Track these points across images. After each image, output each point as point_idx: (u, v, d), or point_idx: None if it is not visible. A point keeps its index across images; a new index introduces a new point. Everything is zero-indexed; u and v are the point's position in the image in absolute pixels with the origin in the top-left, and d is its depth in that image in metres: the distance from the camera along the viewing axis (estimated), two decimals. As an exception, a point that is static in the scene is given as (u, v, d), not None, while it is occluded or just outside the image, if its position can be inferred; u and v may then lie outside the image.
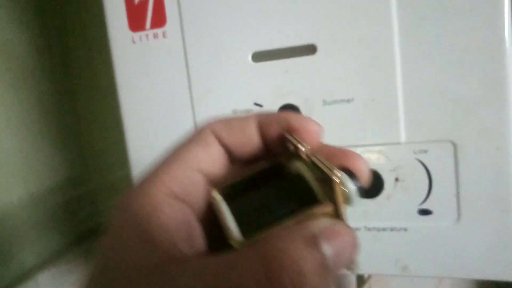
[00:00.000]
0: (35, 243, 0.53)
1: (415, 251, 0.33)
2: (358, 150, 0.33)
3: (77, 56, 0.59)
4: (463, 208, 0.31)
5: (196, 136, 0.19)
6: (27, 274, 0.51)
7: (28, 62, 0.53)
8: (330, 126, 0.33)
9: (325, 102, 0.33)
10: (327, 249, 0.15)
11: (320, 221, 0.16)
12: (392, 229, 0.33)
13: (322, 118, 0.33)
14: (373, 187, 0.33)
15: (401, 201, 0.33)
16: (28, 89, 0.53)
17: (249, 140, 0.20)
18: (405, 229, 0.33)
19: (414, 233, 0.33)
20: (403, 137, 0.32)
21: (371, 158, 0.33)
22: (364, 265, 0.34)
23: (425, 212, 0.32)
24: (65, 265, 0.55)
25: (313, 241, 0.15)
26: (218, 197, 0.18)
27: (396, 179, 0.33)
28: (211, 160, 0.19)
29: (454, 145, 0.31)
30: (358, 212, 0.34)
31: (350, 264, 0.17)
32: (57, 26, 0.58)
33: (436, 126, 0.31)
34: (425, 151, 0.32)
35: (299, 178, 0.18)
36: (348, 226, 0.17)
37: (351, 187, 0.17)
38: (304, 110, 0.34)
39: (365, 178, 0.18)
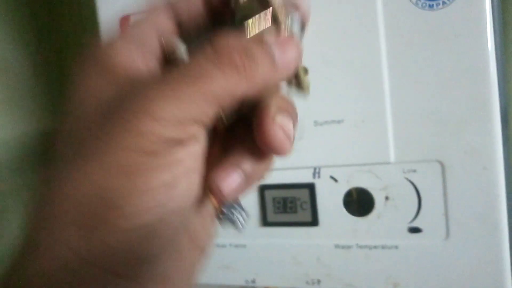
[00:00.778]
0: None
1: (406, 268, 0.33)
2: (349, 170, 0.34)
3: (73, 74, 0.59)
4: (451, 226, 0.32)
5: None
6: None
7: (25, 80, 0.53)
8: (321, 146, 0.34)
9: (316, 123, 0.34)
10: (274, 48, 0.18)
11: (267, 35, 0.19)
12: (383, 247, 0.34)
13: (313, 138, 0.34)
14: (364, 206, 0.34)
15: (392, 219, 0.33)
16: (26, 105, 0.53)
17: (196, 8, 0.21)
18: (396, 247, 0.33)
19: (404, 250, 0.33)
20: (392, 157, 0.33)
21: (362, 178, 0.34)
22: (356, 282, 0.35)
23: (415, 230, 0.33)
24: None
25: (262, 41, 0.18)
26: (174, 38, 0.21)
27: (386, 198, 0.33)
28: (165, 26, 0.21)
29: (442, 164, 0.32)
30: (350, 230, 0.35)
31: (296, 72, 0.21)
32: (55, 46, 0.58)
33: (424, 147, 0.32)
34: (414, 171, 0.32)
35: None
36: (291, 37, 0.20)
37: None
38: (295, 130, 0.34)
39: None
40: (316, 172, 0.35)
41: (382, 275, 0.34)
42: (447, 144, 0.31)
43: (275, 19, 0.20)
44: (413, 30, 0.31)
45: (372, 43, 0.31)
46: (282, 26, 0.20)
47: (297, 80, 0.22)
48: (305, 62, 0.33)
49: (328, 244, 0.35)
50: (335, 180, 0.34)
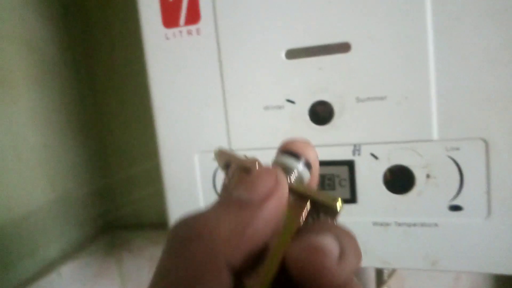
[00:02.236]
0: (58, 237, 0.54)
1: (445, 246, 0.33)
2: (390, 147, 0.34)
3: (99, 53, 0.60)
4: (493, 205, 0.32)
5: None
6: (51, 266, 0.52)
7: (52, 58, 0.54)
8: (362, 123, 0.34)
9: (358, 99, 0.34)
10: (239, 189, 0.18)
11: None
12: (422, 225, 0.34)
13: (354, 114, 0.34)
14: (404, 184, 0.34)
15: (432, 197, 0.33)
16: (52, 85, 0.53)
17: None
18: (436, 225, 0.33)
19: (444, 228, 0.33)
20: (435, 135, 0.33)
21: (403, 155, 0.34)
22: (394, 259, 0.35)
23: (455, 208, 0.33)
24: (86, 257, 0.56)
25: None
26: None
27: (428, 176, 0.33)
28: None
29: (486, 142, 0.32)
30: (389, 208, 0.35)
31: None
32: (80, 24, 0.59)
33: (468, 124, 0.32)
34: (457, 149, 0.32)
35: None
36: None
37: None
38: (336, 107, 0.34)
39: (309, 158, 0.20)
40: (356, 149, 0.35)
41: (420, 253, 0.34)
42: (492, 122, 0.31)
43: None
44: (460, 5, 0.30)
45: (418, 18, 0.31)
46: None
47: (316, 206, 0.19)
48: (349, 37, 0.33)
49: (366, 221, 0.35)
50: (376, 158, 0.34)
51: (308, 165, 0.20)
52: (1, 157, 0.46)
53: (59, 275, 0.52)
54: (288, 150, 0.20)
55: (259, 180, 0.18)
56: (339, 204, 0.18)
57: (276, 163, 0.20)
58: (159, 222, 0.62)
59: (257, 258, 0.17)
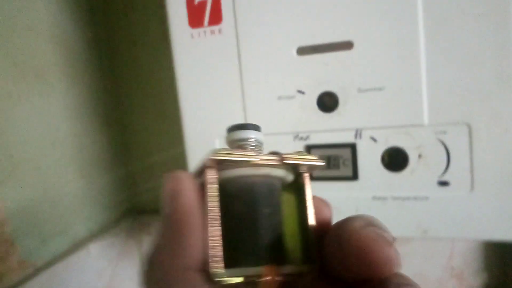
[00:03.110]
0: (86, 218, 0.59)
1: (435, 217, 0.39)
2: (387, 131, 0.39)
3: (122, 50, 0.65)
4: (476, 180, 0.37)
5: None
6: (80, 244, 0.57)
7: (80, 54, 0.59)
8: (364, 111, 0.39)
9: (359, 90, 0.39)
10: None
11: None
12: (415, 198, 0.39)
13: (356, 103, 0.39)
14: (399, 163, 0.39)
15: (423, 174, 0.39)
16: (80, 79, 0.59)
17: None
18: (426, 198, 0.39)
19: (434, 201, 0.39)
20: (426, 120, 0.38)
21: (398, 138, 0.39)
22: (391, 229, 0.40)
23: (443, 183, 0.38)
24: (111, 238, 0.61)
25: None
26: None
27: (419, 156, 0.39)
28: None
29: (469, 127, 0.37)
30: (386, 184, 0.40)
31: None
32: (105, 22, 0.64)
33: (454, 111, 0.37)
34: (445, 132, 0.38)
35: None
36: None
37: None
38: (341, 97, 0.40)
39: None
40: (358, 134, 0.40)
41: (413, 223, 0.39)
42: (475, 109, 0.36)
43: None
44: (447, 8, 0.36)
45: (411, 20, 0.37)
46: None
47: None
48: (352, 37, 0.38)
49: (366, 196, 0.41)
50: (375, 140, 0.40)
51: (256, 128, 0.21)
52: (38, 144, 0.51)
53: (88, 252, 0.57)
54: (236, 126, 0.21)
55: (164, 191, 0.20)
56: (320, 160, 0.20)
57: (231, 142, 0.21)
58: (176, 207, 0.67)
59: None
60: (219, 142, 0.45)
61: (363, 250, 0.18)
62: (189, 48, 0.44)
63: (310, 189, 0.21)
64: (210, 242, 0.18)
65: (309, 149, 0.42)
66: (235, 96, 0.43)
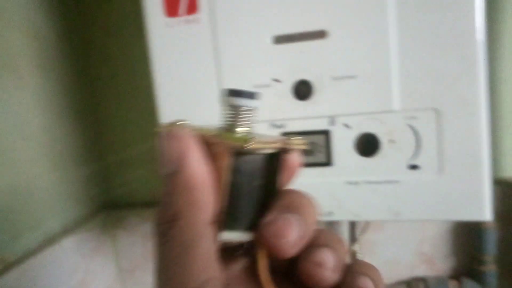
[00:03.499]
0: (59, 213, 0.58)
1: (406, 200, 0.40)
2: (360, 118, 0.40)
3: (95, 41, 0.65)
4: (444, 163, 0.39)
5: None
6: (53, 238, 0.56)
7: (52, 46, 0.58)
8: (338, 98, 0.41)
9: (333, 78, 0.40)
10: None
11: None
12: (386, 182, 0.40)
13: (330, 91, 0.41)
14: (371, 148, 0.41)
15: (394, 159, 0.40)
16: (53, 72, 0.58)
17: None
18: (397, 182, 0.40)
19: (404, 184, 0.40)
20: (396, 106, 0.39)
21: (370, 124, 0.40)
22: (363, 213, 0.42)
23: (413, 167, 0.40)
24: (85, 233, 0.61)
25: None
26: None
27: (390, 141, 0.40)
28: None
29: (437, 112, 0.39)
30: (359, 169, 0.41)
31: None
32: (77, 13, 0.64)
33: (423, 97, 0.39)
34: (414, 117, 0.39)
35: None
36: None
37: None
38: (315, 85, 0.41)
39: None
40: (331, 120, 0.41)
41: (385, 206, 0.41)
42: (442, 95, 0.38)
43: None
44: (414, 2, 0.37)
45: (382, 11, 0.38)
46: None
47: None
48: (325, 26, 0.39)
49: (340, 181, 0.42)
50: (348, 127, 0.41)
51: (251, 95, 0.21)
52: (9, 138, 0.50)
53: (61, 247, 0.56)
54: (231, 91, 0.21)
55: (168, 152, 0.20)
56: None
57: (232, 106, 0.21)
58: (151, 201, 0.67)
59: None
60: (196, 131, 0.45)
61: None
62: (165, 37, 0.44)
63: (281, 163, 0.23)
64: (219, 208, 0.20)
65: (285, 136, 0.43)
66: (211, 85, 0.43)
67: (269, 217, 0.21)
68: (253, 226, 0.21)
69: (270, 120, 0.43)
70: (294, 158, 0.23)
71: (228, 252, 0.22)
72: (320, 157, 0.42)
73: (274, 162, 0.22)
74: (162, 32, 0.44)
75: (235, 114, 0.21)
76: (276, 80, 0.42)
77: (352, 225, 0.55)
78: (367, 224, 0.54)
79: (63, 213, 0.59)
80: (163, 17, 0.43)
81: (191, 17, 0.43)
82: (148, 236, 0.66)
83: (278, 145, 0.22)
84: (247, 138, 0.20)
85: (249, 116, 0.21)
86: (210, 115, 0.44)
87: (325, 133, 0.42)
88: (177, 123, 0.21)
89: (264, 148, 0.21)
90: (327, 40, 0.40)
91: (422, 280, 0.58)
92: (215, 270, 0.19)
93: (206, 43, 0.43)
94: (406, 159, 0.40)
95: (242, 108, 0.21)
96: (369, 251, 0.59)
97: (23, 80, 0.53)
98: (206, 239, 0.19)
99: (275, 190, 0.22)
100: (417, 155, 0.40)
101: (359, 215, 0.42)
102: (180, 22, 0.43)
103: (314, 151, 0.42)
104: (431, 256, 0.58)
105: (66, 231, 0.58)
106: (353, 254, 0.56)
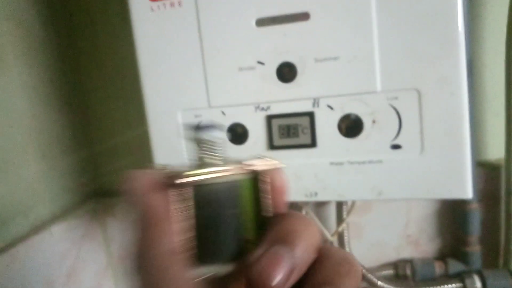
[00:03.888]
0: (48, 200, 0.58)
1: (389, 179, 0.41)
2: (343, 99, 0.41)
3: (80, 26, 0.64)
4: (425, 143, 0.40)
5: None
6: (42, 226, 0.56)
7: (37, 33, 0.58)
8: (321, 79, 0.41)
9: (316, 60, 0.41)
10: None
11: None
12: (370, 162, 0.41)
13: (313, 73, 0.41)
14: (355, 129, 0.41)
15: (377, 139, 0.41)
16: (39, 59, 0.58)
17: None
18: (380, 161, 0.41)
19: (387, 164, 0.41)
20: (378, 87, 0.40)
21: (353, 105, 0.41)
22: (347, 193, 0.42)
23: (396, 147, 0.40)
24: (75, 219, 0.61)
25: None
26: None
27: (373, 121, 0.41)
28: None
29: (419, 92, 0.39)
30: (343, 150, 0.42)
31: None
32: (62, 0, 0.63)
33: (405, 78, 0.39)
34: (396, 98, 0.40)
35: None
36: None
37: None
38: (299, 67, 0.41)
39: None
40: (315, 102, 0.42)
41: (369, 186, 0.41)
42: (423, 75, 0.39)
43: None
44: (397, -21, 0.38)
45: (364, -10, 0.39)
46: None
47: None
48: (308, 8, 0.40)
49: (324, 162, 0.42)
50: (331, 108, 0.41)
51: (212, 128, 0.22)
52: (-5, 124, 0.50)
53: (50, 235, 0.56)
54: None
55: (128, 193, 0.22)
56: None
57: (196, 141, 0.22)
58: (140, 189, 0.67)
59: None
60: (181, 115, 0.45)
61: None
62: (148, 21, 0.44)
63: (267, 187, 0.22)
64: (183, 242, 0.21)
65: (270, 119, 0.43)
66: (196, 68, 0.44)
67: (257, 252, 0.20)
68: (235, 257, 0.21)
69: (255, 103, 0.43)
70: (277, 179, 0.22)
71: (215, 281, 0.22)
72: (305, 139, 0.43)
73: (254, 186, 0.22)
74: (146, 16, 0.44)
75: (202, 148, 0.21)
76: (261, 63, 0.42)
77: (339, 206, 0.56)
78: (352, 205, 0.55)
79: (52, 200, 0.59)
80: (147, 1, 0.43)
81: (174, 0, 0.43)
82: (138, 223, 0.66)
83: (247, 171, 0.21)
84: (203, 167, 0.21)
85: (217, 148, 0.21)
86: (195, 99, 0.44)
87: (309, 114, 0.42)
88: (154, 167, 0.22)
89: (231, 175, 0.21)
90: (309, 22, 0.40)
91: (409, 261, 0.59)
92: None
93: (190, 27, 0.43)
94: (389, 139, 0.41)
95: (208, 142, 0.21)
96: (356, 235, 0.59)
97: (8, 68, 0.52)
98: (174, 270, 0.20)
99: (261, 216, 0.22)
100: (399, 135, 0.40)
101: (343, 195, 0.42)
102: (164, 6, 0.43)
103: (299, 133, 0.43)
104: (417, 238, 0.59)
105: (55, 218, 0.58)
106: (340, 236, 0.57)
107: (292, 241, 0.19)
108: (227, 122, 0.44)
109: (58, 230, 0.57)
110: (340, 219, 0.56)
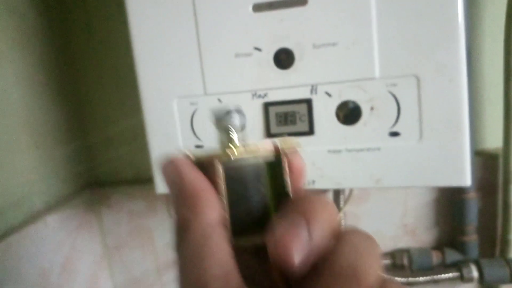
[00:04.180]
0: (43, 191, 0.57)
1: (387, 166, 0.40)
2: (341, 86, 0.40)
3: (74, 16, 0.63)
4: (424, 130, 0.39)
5: None
6: (37, 216, 0.55)
7: (31, 22, 0.57)
8: (319, 66, 0.40)
9: (314, 46, 0.40)
10: None
11: None
12: (368, 149, 0.41)
13: (311, 59, 0.40)
14: (353, 116, 0.41)
15: (375, 126, 0.40)
16: (33, 48, 0.57)
17: None
18: (379, 149, 0.40)
19: (386, 151, 0.40)
20: (377, 73, 0.39)
21: (351, 92, 0.40)
22: (345, 180, 0.42)
23: (394, 134, 0.40)
24: (70, 210, 0.60)
25: None
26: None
27: (371, 108, 0.40)
28: None
29: (417, 78, 0.39)
30: (340, 137, 0.41)
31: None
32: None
33: (403, 64, 0.39)
34: (395, 85, 0.39)
35: None
36: None
37: None
38: (296, 53, 0.41)
39: None
40: (313, 89, 0.41)
41: (367, 173, 0.41)
42: (422, 61, 0.38)
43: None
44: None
45: (363, -25, 0.38)
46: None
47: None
48: (306, -7, 0.39)
49: (322, 150, 0.42)
50: (329, 95, 0.41)
51: (238, 112, 0.23)
52: (-12, 112, 0.49)
53: (46, 225, 0.56)
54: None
55: (167, 174, 0.22)
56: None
57: (221, 127, 0.23)
58: (135, 179, 0.67)
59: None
60: (177, 103, 0.44)
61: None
62: (144, 7, 0.43)
63: (286, 168, 0.23)
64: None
65: (267, 106, 0.43)
66: (192, 55, 0.43)
67: (274, 224, 0.20)
68: (264, 229, 0.21)
69: (252, 90, 0.43)
70: (296, 161, 0.23)
71: (251, 251, 0.23)
72: (302, 126, 0.42)
73: (275, 167, 0.23)
74: (141, 2, 0.43)
75: (225, 132, 0.23)
76: (257, 49, 0.41)
77: (336, 196, 0.56)
78: (350, 194, 0.55)
79: (47, 190, 0.58)
80: (142, -14, 0.43)
81: (170, -15, 0.42)
82: (133, 213, 0.66)
83: (270, 152, 0.23)
84: (231, 150, 0.22)
85: (239, 131, 0.23)
86: (190, 86, 0.44)
87: (307, 102, 0.42)
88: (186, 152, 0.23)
89: (255, 156, 0.23)
90: (307, 7, 0.40)
91: (406, 251, 0.59)
92: (230, 266, 0.20)
93: (185, 13, 0.42)
94: (387, 126, 0.40)
95: (230, 126, 0.22)
96: (353, 224, 0.59)
97: (1, 57, 0.52)
98: (217, 238, 0.20)
99: (285, 194, 0.23)
100: (398, 122, 0.40)
101: (341, 183, 0.42)
102: (159, -9, 0.42)
103: (296, 120, 0.42)
104: (414, 227, 0.59)
105: (50, 209, 0.58)
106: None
107: (309, 219, 0.19)
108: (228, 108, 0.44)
109: (53, 221, 0.57)
110: (337, 207, 0.55)
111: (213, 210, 0.21)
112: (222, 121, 0.23)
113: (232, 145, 0.22)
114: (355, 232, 0.20)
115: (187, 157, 0.23)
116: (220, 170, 0.22)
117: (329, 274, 0.18)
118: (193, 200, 0.21)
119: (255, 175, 0.23)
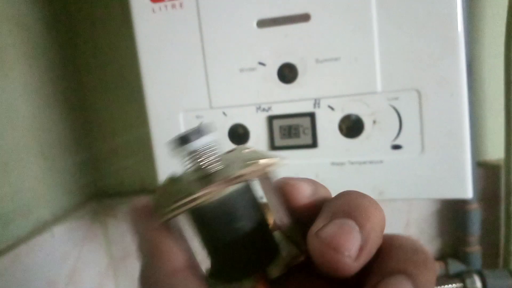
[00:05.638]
0: (49, 201, 0.58)
1: (389, 179, 0.41)
2: (344, 99, 0.41)
3: (81, 27, 0.64)
4: (426, 143, 0.40)
5: None
6: (44, 227, 0.56)
7: (39, 35, 0.58)
8: (322, 80, 0.41)
9: (317, 61, 0.41)
10: None
11: None
12: (370, 162, 0.41)
13: (314, 74, 0.41)
14: (355, 129, 0.41)
15: (378, 139, 0.41)
16: (40, 61, 0.58)
17: None
18: (381, 162, 0.41)
19: (388, 164, 0.41)
20: (379, 88, 0.40)
21: (354, 106, 0.41)
22: (349, 193, 0.42)
23: (396, 147, 0.41)
24: (76, 221, 0.61)
25: None
26: None
27: (374, 122, 0.41)
28: None
29: (419, 92, 0.39)
30: (343, 150, 0.42)
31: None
32: (63, 1, 0.63)
33: (405, 78, 0.39)
34: (397, 98, 0.40)
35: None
36: None
37: None
38: (300, 68, 0.41)
39: None
40: (316, 103, 0.42)
41: (369, 186, 0.42)
42: (423, 75, 0.39)
43: None
44: (397, -19, 0.38)
45: (365, -8, 0.39)
46: None
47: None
48: (309, 9, 0.40)
49: (325, 162, 0.43)
50: (332, 109, 0.42)
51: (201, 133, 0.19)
52: (-3, 125, 0.50)
53: (52, 235, 0.56)
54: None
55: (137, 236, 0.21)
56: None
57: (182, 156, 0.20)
58: (141, 190, 0.67)
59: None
60: (183, 116, 0.45)
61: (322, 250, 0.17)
62: (150, 22, 0.44)
63: (270, 184, 0.20)
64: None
65: (271, 119, 0.43)
66: (197, 69, 0.44)
67: (319, 225, 0.17)
68: (255, 268, 0.19)
69: (256, 103, 0.43)
70: (283, 182, 0.21)
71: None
72: (306, 139, 0.43)
73: (252, 191, 0.20)
74: (147, 17, 0.44)
75: (195, 158, 0.19)
76: (262, 64, 0.42)
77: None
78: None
79: (53, 201, 0.59)
80: (148, 2, 0.44)
81: (176, 1, 0.43)
82: (139, 224, 0.66)
83: (236, 181, 0.19)
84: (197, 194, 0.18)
85: (212, 152, 0.19)
86: (196, 100, 0.44)
87: (311, 115, 0.42)
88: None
89: (219, 192, 0.19)
90: (310, 23, 0.41)
91: (409, 262, 0.59)
92: None
93: (191, 28, 0.43)
94: (389, 139, 0.41)
95: (199, 150, 0.19)
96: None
97: (9, 69, 0.53)
98: (181, 281, 0.18)
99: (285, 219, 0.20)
100: (400, 135, 0.40)
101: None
102: (165, 7, 0.43)
103: (300, 133, 0.43)
104: (417, 238, 0.59)
105: (56, 220, 0.58)
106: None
107: (358, 216, 0.18)
108: (229, 123, 0.45)
109: (59, 231, 0.58)
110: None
111: (174, 259, 0.19)
112: (180, 150, 0.19)
113: (204, 170, 0.19)
114: (405, 238, 0.19)
115: (151, 202, 0.20)
116: (183, 216, 0.19)
117: (381, 275, 0.17)
118: (152, 251, 0.19)
119: (233, 207, 0.19)
